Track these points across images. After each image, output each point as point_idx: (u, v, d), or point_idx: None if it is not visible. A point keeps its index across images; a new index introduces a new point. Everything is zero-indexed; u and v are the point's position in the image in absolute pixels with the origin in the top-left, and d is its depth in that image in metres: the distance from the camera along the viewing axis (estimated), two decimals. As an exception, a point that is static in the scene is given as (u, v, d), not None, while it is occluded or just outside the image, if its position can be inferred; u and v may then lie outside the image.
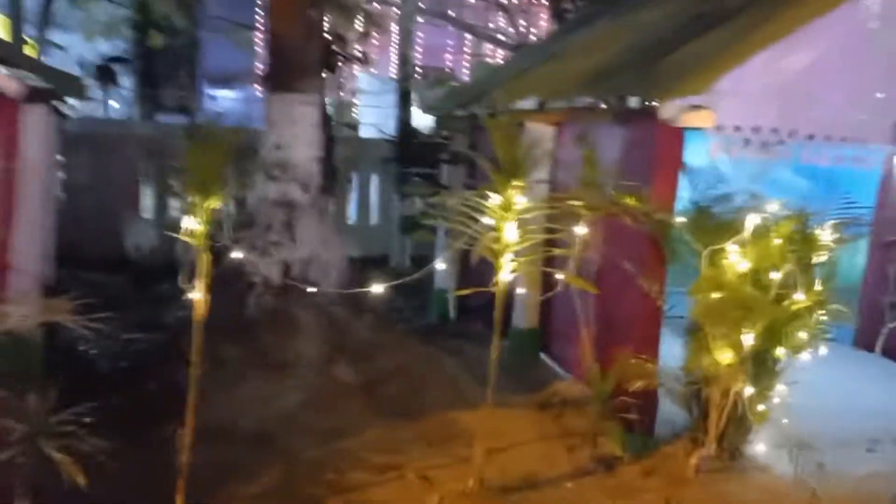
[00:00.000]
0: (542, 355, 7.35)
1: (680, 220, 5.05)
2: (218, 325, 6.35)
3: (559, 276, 5.09)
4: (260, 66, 16.44)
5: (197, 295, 3.88)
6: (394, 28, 15.04)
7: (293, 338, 6.17)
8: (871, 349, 8.70)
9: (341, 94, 13.75)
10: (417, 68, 14.74)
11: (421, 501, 4.67)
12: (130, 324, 6.47)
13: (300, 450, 5.15)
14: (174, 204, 10.33)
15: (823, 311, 5.15)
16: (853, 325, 8.97)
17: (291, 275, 6.38)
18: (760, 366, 5.14)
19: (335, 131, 10.10)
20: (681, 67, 5.22)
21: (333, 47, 8.85)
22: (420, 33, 16.10)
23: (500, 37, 15.54)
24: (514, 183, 4.47)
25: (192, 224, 3.76)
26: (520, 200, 4.52)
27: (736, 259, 4.82)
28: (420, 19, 14.17)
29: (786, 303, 4.94)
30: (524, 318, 7.22)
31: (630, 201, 5.06)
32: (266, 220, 6.45)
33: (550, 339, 7.16)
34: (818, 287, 5.10)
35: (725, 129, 5.23)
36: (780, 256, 4.82)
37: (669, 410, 5.68)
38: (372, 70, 16.76)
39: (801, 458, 5.73)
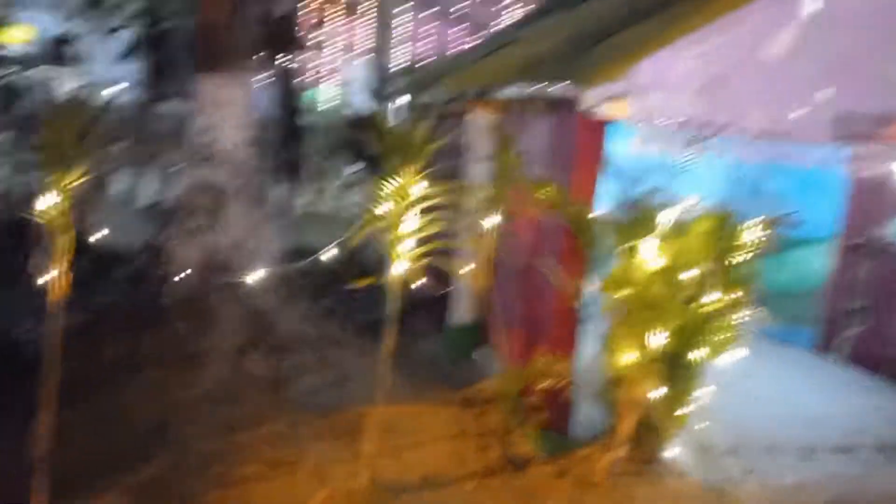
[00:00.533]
0: (482, 352, 7.16)
1: (596, 214, 4.84)
2: (132, 313, 6.31)
3: (462, 269, 4.87)
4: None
5: (53, 277, 3.71)
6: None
7: (209, 328, 6.01)
8: (831, 354, 8.47)
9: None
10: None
11: (305, 498, 4.50)
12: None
13: (195, 441, 4.99)
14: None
15: (742, 314, 4.92)
16: (815, 329, 8.81)
17: (214, 263, 6.20)
18: (676, 368, 4.92)
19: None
20: (600, 57, 5.01)
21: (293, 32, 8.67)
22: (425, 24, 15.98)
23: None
24: (410, 171, 4.28)
25: (48, 202, 3.59)
26: (416, 189, 4.33)
27: (649, 256, 4.60)
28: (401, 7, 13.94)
29: (698, 304, 4.72)
30: (461, 313, 7.04)
31: (545, 194, 4.86)
32: (189, 205, 6.28)
33: (489, 334, 6.97)
34: (738, 288, 4.87)
35: (649, 123, 5.01)
36: (696, 255, 4.59)
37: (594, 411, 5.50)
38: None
39: (727, 465, 5.59)
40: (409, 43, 16.32)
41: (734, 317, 4.87)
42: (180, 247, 6.20)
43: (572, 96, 4.97)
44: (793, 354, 8.45)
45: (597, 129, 5.04)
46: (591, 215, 4.84)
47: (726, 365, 7.37)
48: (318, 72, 14.91)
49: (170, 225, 6.21)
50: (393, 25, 13.18)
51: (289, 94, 10.80)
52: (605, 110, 4.90)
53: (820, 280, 8.76)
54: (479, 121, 6.59)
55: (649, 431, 4.99)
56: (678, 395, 4.99)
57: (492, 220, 5.02)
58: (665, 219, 4.60)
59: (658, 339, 4.60)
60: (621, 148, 5.27)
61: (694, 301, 4.71)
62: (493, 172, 4.96)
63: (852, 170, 7.38)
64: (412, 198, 4.30)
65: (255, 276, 6.15)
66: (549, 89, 5.22)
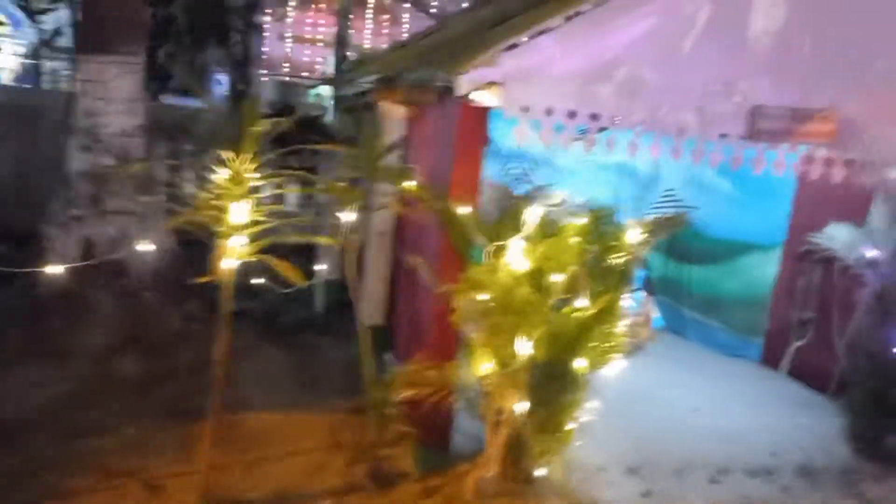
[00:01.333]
0: (390, 356, 6.76)
1: (463, 211, 4.44)
2: (3, 306, 5.95)
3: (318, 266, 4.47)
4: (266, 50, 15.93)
5: None
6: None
7: (82, 324, 5.65)
8: (777, 368, 8.03)
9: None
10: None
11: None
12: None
13: (40, 447, 4.64)
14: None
15: (618, 322, 4.50)
16: (761, 341, 8.36)
17: (94, 253, 5.83)
18: (552, 380, 4.51)
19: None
20: (478, 41, 4.61)
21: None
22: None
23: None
24: (245, 156, 3.90)
25: None
26: (252, 176, 3.95)
27: (514, 257, 4.20)
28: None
29: (571, 309, 4.31)
30: (369, 314, 6.64)
31: (410, 188, 4.47)
32: (71, 192, 5.92)
33: (396, 337, 6.58)
34: (615, 293, 4.46)
35: (534, 112, 4.60)
36: (567, 257, 4.18)
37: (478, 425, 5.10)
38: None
39: (623, 486, 5.18)
40: (369, 33, 15.97)
41: (615, 324, 4.44)
42: (59, 236, 5.82)
43: (450, 83, 4.57)
44: (735, 367, 8.02)
45: (477, 118, 4.65)
46: (460, 211, 4.43)
47: (646, 377, 7.14)
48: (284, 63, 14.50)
49: (50, 211, 5.83)
50: (353, 15, 12.77)
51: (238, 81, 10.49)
52: (482, 98, 4.50)
53: (768, 289, 8.31)
54: (385, 111, 6.21)
55: (528, 448, 4.56)
56: (557, 408, 4.58)
57: (349, 216, 4.61)
58: (532, 217, 4.19)
59: (524, 347, 4.18)
60: (510, 140, 4.86)
61: (565, 307, 4.29)
62: (356, 164, 4.56)
63: (798, 173, 6.92)
64: (246, 186, 3.91)
65: (139, 269, 5.77)
66: (431, 77, 4.83)
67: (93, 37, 5.98)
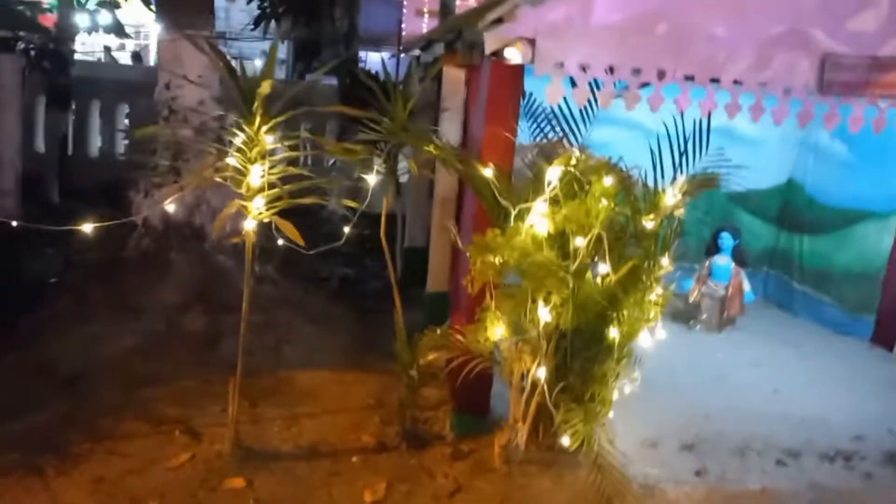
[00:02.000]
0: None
1: (489, 172, 4.31)
2: (88, 266, 6.47)
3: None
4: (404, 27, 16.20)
5: None
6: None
7: (157, 283, 6.04)
8: (889, 348, 7.29)
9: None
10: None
11: (168, 458, 4.39)
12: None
13: (100, 394, 5.03)
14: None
15: (652, 290, 4.23)
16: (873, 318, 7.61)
17: (174, 218, 6.21)
18: (586, 349, 4.34)
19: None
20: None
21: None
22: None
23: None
24: (261, 119, 4.00)
25: None
26: (269, 139, 4.05)
27: (536, 219, 4.04)
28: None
29: (600, 275, 4.09)
30: (433, 280, 6.67)
31: (434, 149, 4.40)
32: (153, 161, 6.32)
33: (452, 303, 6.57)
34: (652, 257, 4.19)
35: (568, 68, 4.38)
36: (591, 219, 3.98)
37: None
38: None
39: (674, 462, 4.92)
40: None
41: (648, 292, 4.19)
42: (145, 201, 6.25)
43: (480, 41, 4.45)
44: (841, 346, 7.37)
45: (508, 77, 4.50)
46: (488, 173, 4.32)
47: (728, 353, 6.70)
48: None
49: (136, 179, 6.26)
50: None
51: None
52: (512, 55, 4.34)
53: (884, 261, 7.54)
54: (449, 76, 6.15)
55: (555, 418, 4.42)
56: (590, 378, 4.39)
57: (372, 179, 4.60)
58: (553, 177, 4.01)
59: (544, 312, 4.04)
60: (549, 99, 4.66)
61: (589, 271, 4.09)
62: (383, 128, 4.53)
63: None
64: (263, 149, 4.01)
65: (218, 234, 6.07)
66: (475, 37, 4.72)
67: (167, 14, 6.32)
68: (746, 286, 7.33)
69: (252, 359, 5.67)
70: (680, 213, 4.42)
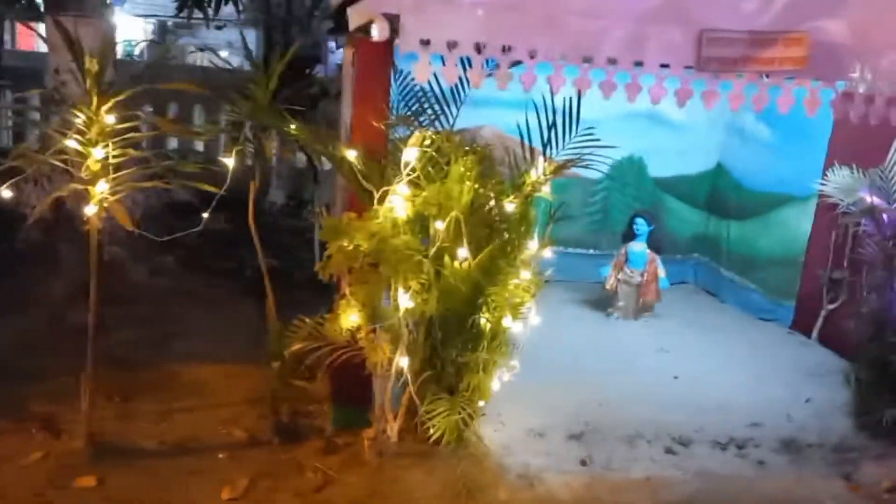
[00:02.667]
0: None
1: (351, 154, 4.14)
2: None
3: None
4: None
5: None
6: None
7: (47, 277, 5.82)
8: (809, 334, 7.23)
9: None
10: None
11: (24, 455, 4.21)
12: None
13: (-31, 390, 4.82)
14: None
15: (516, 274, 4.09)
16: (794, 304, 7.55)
17: (65, 208, 5.97)
18: (454, 337, 4.19)
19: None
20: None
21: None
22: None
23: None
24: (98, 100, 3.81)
25: None
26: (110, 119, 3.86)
27: (396, 203, 3.89)
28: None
29: (462, 259, 3.94)
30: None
31: (294, 131, 4.22)
32: (45, 148, 6.07)
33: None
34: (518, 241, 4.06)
35: (435, 46, 4.21)
36: (450, 201, 3.83)
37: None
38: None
39: (560, 452, 4.80)
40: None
41: (512, 277, 4.05)
42: (34, 192, 6.00)
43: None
44: (760, 333, 7.31)
45: (374, 55, 4.33)
46: (350, 155, 4.15)
47: (636, 341, 6.60)
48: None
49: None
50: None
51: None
52: (375, 32, 4.17)
53: (804, 247, 7.46)
54: (344, 56, 5.98)
55: (425, 408, 4.28)
56: (462, 367, 4.25)
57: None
58: (410, 157, 3.85)
59: (403, 299, 3.89)
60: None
61: (451, 255, 3.94)
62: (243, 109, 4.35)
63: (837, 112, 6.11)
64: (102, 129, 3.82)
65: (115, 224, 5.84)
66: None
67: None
68: (661, 272, 7.23)
69: (136, 353, 5.53)
70: (547, 194, 4.26)
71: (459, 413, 4.13)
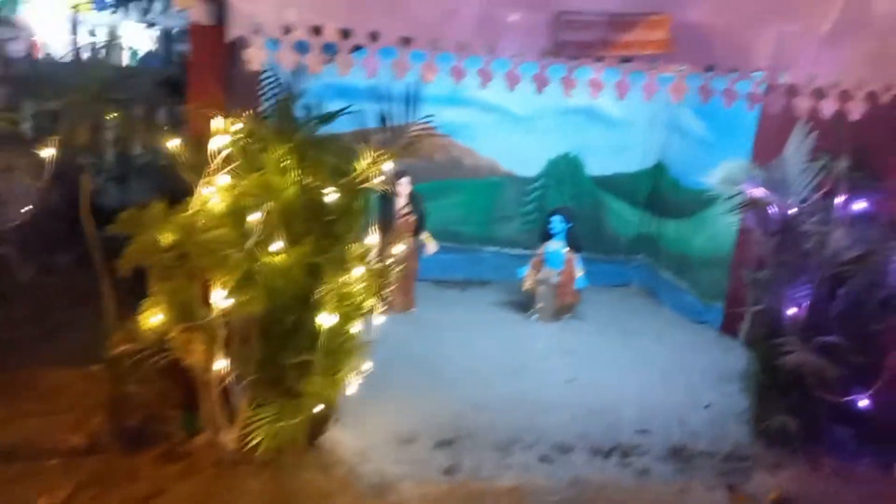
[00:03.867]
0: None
1: (172, 144, 3.90)
2: None
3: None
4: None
5: None
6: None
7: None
8: (737, 336, 6.91)
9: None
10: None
11: None
12: None
13: None
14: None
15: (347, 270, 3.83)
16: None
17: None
18: (285, 337, 3.95)
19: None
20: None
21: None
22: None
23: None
24: None
25: None
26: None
27: (211, 195, 3.65)
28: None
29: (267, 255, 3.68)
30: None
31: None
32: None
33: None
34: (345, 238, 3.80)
35: (268, 30, 3.98)
36: (267, 192, 3.59)
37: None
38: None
39: (426, 459, 4.55)
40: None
41: (342, 274, 3.80)
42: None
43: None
44: (685, 335, 7.04)
45: (207, 41, 4.10)
46: (171, 145, 3.90)
47: (540, 343, 6.32)
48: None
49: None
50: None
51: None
52: (199, 16, 3.95)
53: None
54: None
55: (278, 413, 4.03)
56: (296, 369, 4.00)
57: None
58: (218, 146, 3.61)
59: (219, 296, 3.65)
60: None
61: (267, 251, 3.69)
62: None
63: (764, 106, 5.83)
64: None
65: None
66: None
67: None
68: (579, 272, 6.95)
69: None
70: (381, 186, 4.00)
71: (290, 419, 3.87)
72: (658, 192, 8.52)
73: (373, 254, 4.01)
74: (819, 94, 4.43)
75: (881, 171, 4.98)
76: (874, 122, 4.51)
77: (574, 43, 4.14)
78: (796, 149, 5.01)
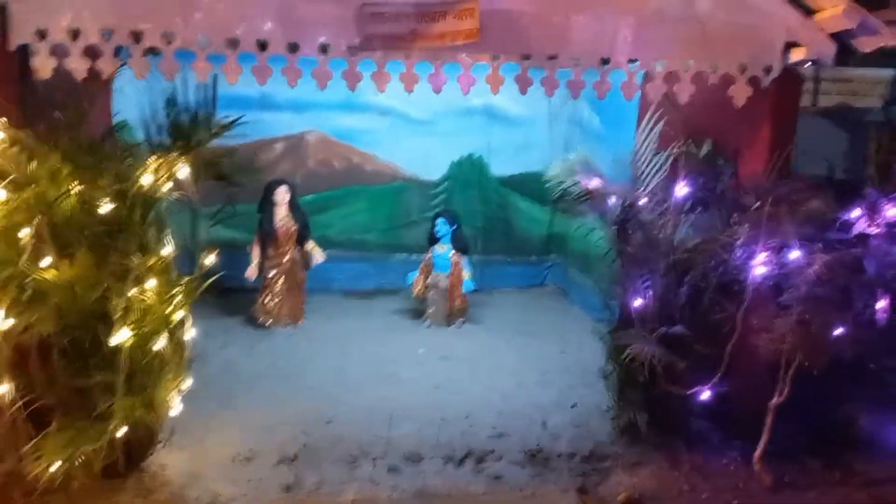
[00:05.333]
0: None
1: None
2: None
3: None
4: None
5: None
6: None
7: None
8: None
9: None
10: None
11: None
12: None
13: None
14: None
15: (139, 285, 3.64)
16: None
17: None
18: (92, 355, 3.75)
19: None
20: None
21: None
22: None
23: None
24: None
25: None
26: None
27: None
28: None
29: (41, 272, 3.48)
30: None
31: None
32: None
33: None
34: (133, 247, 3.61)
35: (55, 35, 3.79)
36: (41, 206, 3.40)
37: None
38: None
39: (265, 476, 4.35)
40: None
41: (134, 286, 3.61)
42: None
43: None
44: (583, 335, 6.75)
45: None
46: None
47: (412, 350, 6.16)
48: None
49: None
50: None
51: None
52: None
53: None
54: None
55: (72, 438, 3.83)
56: (96, 391, 3.80)
57: None
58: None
59: (-1, 316, 3.45)
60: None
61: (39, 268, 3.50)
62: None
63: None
64: None
65: None
66: None
67: None
68: (466, 274, 6.78)
69: None
70: (166, 195, 3.81)
71: (92, 443, 3.67)
72: (565, 191, 8.38)
73: (171, 265, 3.81)
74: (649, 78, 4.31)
75: (734, 156, 4.87)
76: (727, 107, 4.40)
77: (382, 36, 3.99)
78: (644, 137, 4.88)
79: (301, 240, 6.72)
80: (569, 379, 5.72)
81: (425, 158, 8.19)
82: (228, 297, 6.78)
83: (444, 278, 6.74)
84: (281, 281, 6.65)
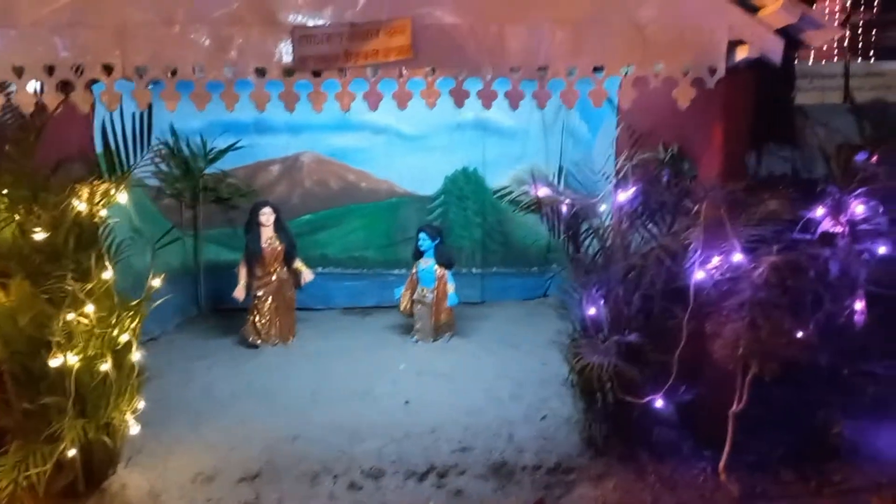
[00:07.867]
0: None
1: None
2: None
3: None
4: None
5: None
6: None
7: None
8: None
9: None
10: None
11: None
12: None
13: None
14: None
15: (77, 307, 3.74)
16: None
17: None
18: (40, 380, 3.87)
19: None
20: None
21: None
22: None
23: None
24: None
25: None
26: None
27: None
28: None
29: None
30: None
31: None
32: None
33: None
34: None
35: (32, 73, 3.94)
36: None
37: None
38: None
39: (222, 494, 4.41)
40: None
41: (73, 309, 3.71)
42: None
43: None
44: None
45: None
46: None
47: (419, 362, 6.15)
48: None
49: None
50: None
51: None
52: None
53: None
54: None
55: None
56: (47, 414, 3.91)
57: None
58: None
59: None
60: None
61: None
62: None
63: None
64: None
65: None
66: None
67: None
68: (451, 288, 6.76)
69: None
70: (103, 219, 3.91)
71: (40, 465, 3.77)
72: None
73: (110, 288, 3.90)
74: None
75: (695, 159, 4.78)
76: (689, 109, 4.31)
77: (314, 57, 4.04)
78: (601, 143, 4.82)
79: (288, 260, 6.81)
80: (543, 392, 5.65)
81: (420, 174, 8.23)
82: (233, 318, 6.95)
83: (430, 293, 6.74)
84: (269, 301, 6.74)
